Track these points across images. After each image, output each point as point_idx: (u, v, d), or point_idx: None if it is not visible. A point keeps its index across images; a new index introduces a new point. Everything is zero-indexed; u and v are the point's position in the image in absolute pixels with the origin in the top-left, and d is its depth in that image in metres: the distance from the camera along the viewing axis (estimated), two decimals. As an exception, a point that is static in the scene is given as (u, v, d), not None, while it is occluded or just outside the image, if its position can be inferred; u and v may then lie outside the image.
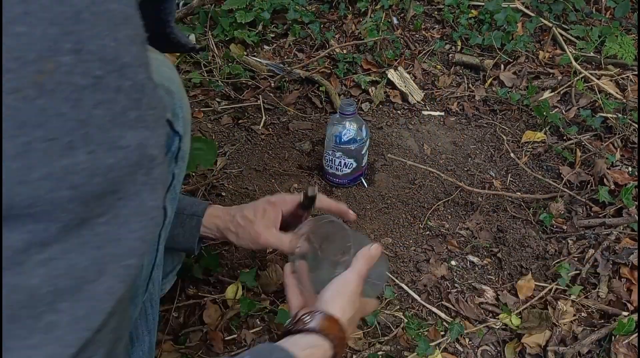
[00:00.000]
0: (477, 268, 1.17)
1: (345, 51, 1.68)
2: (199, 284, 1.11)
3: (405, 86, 1.57)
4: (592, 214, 1.26)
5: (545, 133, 1.46)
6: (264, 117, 1.48)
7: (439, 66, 1.68)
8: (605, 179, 1.31)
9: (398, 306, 1.09)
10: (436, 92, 1.60)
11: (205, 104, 1.52)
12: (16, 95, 0.35)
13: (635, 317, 1.04)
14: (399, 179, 1.35)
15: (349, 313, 0.72)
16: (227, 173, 1.33)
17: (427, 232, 1.23)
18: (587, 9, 1.85)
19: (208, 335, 1.03)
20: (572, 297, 1.10)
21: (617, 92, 1.56)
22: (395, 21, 1.78)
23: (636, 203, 1.25)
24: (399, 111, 1.54)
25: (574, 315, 1.08)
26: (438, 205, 1.28)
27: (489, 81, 1.62)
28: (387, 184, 1.33)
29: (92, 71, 0.37)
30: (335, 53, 1.66)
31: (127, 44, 0.40)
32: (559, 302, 1.09)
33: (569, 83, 1.59)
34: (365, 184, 1.32)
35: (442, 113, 1.54)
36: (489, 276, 1.16)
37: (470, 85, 1.62)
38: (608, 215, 1.24)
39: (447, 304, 1.10)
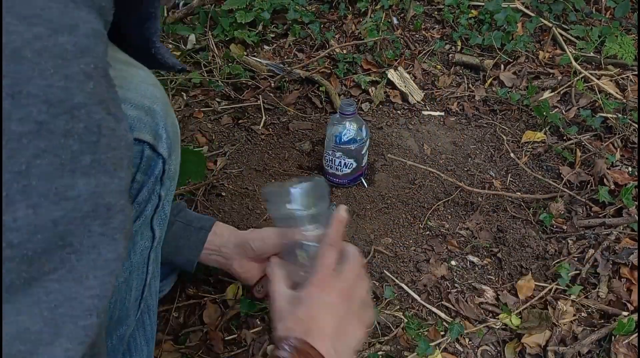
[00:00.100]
0: (477, 268, 1.17)
1: (345, 51, 1.68)
2: (199, 284, 1.11)
3: (405, 86, 1.57)
4: (592, 214, 1.26)
5: (545, 133, 1.46)
6: (264, 117, 1.48)
7: (439, 66, 1.68)
8: (605, 179, 1.31)
9: (398, 306, 1.09)
10: (436, 92, 1.60)
11: (205, 104, 1.53)
12: None
13: (635, 317, 1.04)
14: (399, 179, 1.35)
15: (331, 325, 0.65)
16: (227, 173, 1.33)
17: (427, 232, 1.23)
18: (587, 9, 1.85)
19: (208, 335, 1.03)
20: (572, 297, 1.10)
21: (617, 92, 1.56)
22: (395, 21, 1.78)
23: (636, 203, 1.25)
24: (399, 111, 1.54)
25: (574, 315, 1.08)
26: (438, 205, 1.28)
27: (489, 81, 1.62)
28: (387, 184, 1.33)
29: (33, 116, 0.34)
30: (335, 53, 1.66)
31: (81, 81, 0.36)
32: (559, 302, 1.09)
33: (569, 83, 1.59)
34: (365, 184, 1.32)
35: (442, 113, 1.54)
36: (489, 276, 1.16)
37: (470, 85, 1.62)
38: (608, 215, 1.24)
39: (447, 304, 1.10)
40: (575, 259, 1.18)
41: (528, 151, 1.43)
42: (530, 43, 1.72)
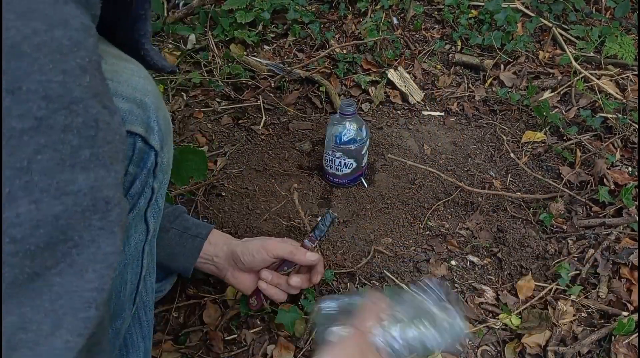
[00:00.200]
0: (477, 268, 1.17)
1: (345, 51, 1.68)
2: (199, 284, 1.11)
3: (405, 86, 1.57)
4: (592, 214, 1.26)
5: (545, 133, 1.46)
6: (264, 117, 1.48)
7: (439, 66, 1.68)
8: (605, 179, 1.31)
9: (398, 306, 1.09)
10: (436, 92, 1.60)
11: (205, 104, 1.53)
12: None
13: (635, 317, 1.04)
14: (399, 179, 1.35)
15: None
16: (227, 173, 1.33)
17: (427, 232, 1.23)
18: (587, 9, 1.85)
19: (208, 335, 1.03)
20: (572, 297, 1.10)
21: (617, 92, 1.56)
22: (395, 21, 1.78)
23: (636, 203, 1.25)
24: (399, 111, 1.54)
25: (574, 315, 1.08)
26: (438, 205, 1.28)
27: (489, 81, 1.62)
28: (387, 184, 1.33)
29: (33, 112, 0.34)
30: (335, 53, 1.66)
31: (78, 75, 0.36)
32: (559, 302, 1.09)
33: (569, 83, 1.59)
34: (365, 184, 1.32)
35: (442, 113, 1.54)
36: (489, 276, 1.16)
37: (470, 85, 1.62)
38: (608, 215, 1.24)
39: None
40: (575, 259, 1.18)
41: (528, 151, 1.43)
42: (530, 43, 1.72)
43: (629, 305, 1.09)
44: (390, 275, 1.13)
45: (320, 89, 1.56)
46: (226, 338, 1.03)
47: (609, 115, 1.47)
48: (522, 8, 1.81)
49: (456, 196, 1.30)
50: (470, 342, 1.05)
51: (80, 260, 0.39)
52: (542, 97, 1.54)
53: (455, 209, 1.28)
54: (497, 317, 1.08)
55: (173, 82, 1.55)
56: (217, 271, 0.97)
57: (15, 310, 0.36)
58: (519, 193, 1.31)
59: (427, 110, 1.55)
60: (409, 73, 1.62)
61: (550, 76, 1.64)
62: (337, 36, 1.75)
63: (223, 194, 1.29)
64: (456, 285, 1.13)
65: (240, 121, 1.48)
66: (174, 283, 1.07)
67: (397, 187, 1.33)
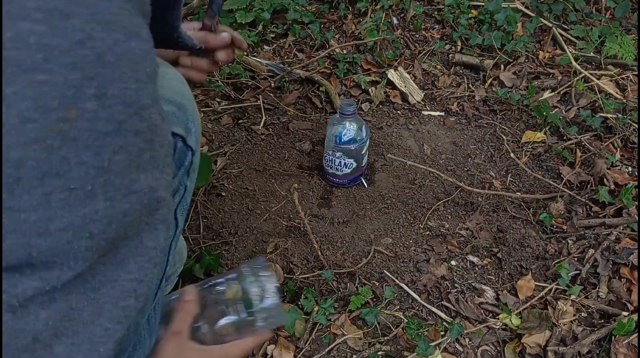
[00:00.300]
0: (477, 268, 1.17)
1: (345, 51, 1.68)
2: (199, 284, 1.11)
3: (405, 86, 1.57)
4: (592, 214, 1.26)
5: (545, 133, 1.46)
6: (264, 117, 1.48)
7: (439, 66, 1.68)
8: (605, 179, 1.31)
9: (398, 307, 1.09)
10: (436, 92, 1.60)
11: (205, 104, 1.53)
12: (38, 145, 0.33)
13: (635, 317, 1.04)
14: (399, 179, 1.35)
15: None
16: (227, 173, 1.33)
17: (427, 232, 1.23)
18: (587, 9, 1.85)
19: (208, 335, 1.03)
20: (572, 297, 1.10)
21: (617, 92, 1.56)
22: (395, 21, 1.78)
23: (636, 203, 1.25)
24: (399, 111, 1.54)
25: (574, 315, 1.08)
26: (438, 205, 1.28)
27: (489, 81, 1.62)
28: (387, 184, 1.33)
29: (115, 116, 0.36)
30: (335, 53, 1.66)
31: (146, 83, 0.39)
32: (559, 302, 1.09)
33: (569, 83, 1.59)
34: (365, 184, 1.32)
35: (442, 113, 1.54)
36: (489, 276, 1.16)
37: (470, 85, 1.62)
38: (608, 215, 1.24)
39: (447, 304, 1.10)
40: (575, 259, 1.18)
41: (528, 151, 1.43)
42: (530, 43, 1.72)
43: (629, 305, 1.09)
44: (390, 275, 1.13)
45: (320, 89, 1.56)
46: (226, 338, 1.03)
47: (609, 115, 1.47)
48: (522, 8, 1.81)
49: (456, 196, 1.30)
50: (470, 342, 1.05)
51: (123, 250, 0.41)
52: (542, 97, 1.54)
53: (455, 209, 1.28)
54: (497, 317, 1.08)
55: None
56: None
57: (63, 297, 0.38)
58: (519, 193, 1.31)
59: (427, 110, 1.55)
60: (409, 73, 1.62)
61: (550, 76, 1.64)
62: (337, 36, 1.75)
63: (223, 194, 1.29)
64: (456, 285, 1.13)
65: (240, 121, 1.48)
66: (174, 284, 1.07)
67: (397, 187, 1.33)
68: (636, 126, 1.44)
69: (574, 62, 1.61)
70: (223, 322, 0.75)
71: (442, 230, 1.23)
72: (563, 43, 1.71)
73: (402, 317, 1.07)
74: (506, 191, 1.32)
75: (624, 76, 1.61)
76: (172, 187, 0.66)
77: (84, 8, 0.34)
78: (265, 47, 1.72)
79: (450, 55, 1.69)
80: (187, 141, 0.66)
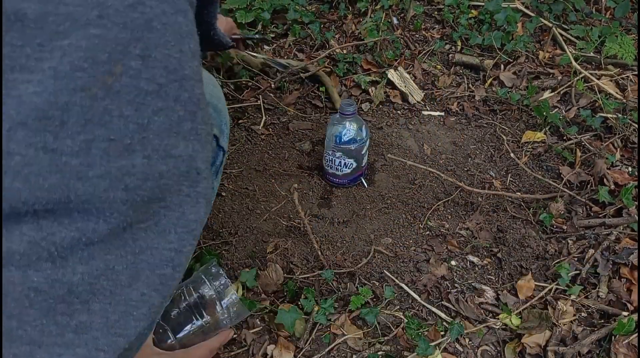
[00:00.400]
0: (477, 268, 1.17)
1: (345, 51, 1.68)
2: (199, 284, 1.11)
3: (405, 86, 1.57)
4: (592, 214, 1.26)
5: (545, 133, 1.46)
6: (264, 117, 1.48)
7: (439, 66, 1.68)
8: (605, 179, 1.31)
9: (398, 307, 1.09)
10: (436, 92, 1.60)
11: (205, 104, 1.53)
12: (84, 93, 0.35)
13: (635, 317, 1.04)
14: (399, 179, 1.35)
15: None
16: (227, 173, 1.33)
17: (427, 232, 1.23)
18: (587, 9, 1.85)
19: (208, 335, 1.03)
20: (572, 297, 1.10)
21: (617, 92, 1.56)
22: (395, 21, 1.78)
23: (636, 203, 1.25)
24: (399, 111, 1.54)
25: (574, 315, 1.08)
26: (438, 205, 1.28)
27: (489, 81, 1.62)
28: (387, 184, 1.33)
29: (156, 78, 0.38)
30: (335, 53, 1.66)
31: (189, 58, 0.41)
32: (559, 302, 1.09)
33: (569, 83, 1.59)
34: (365, 184, 1.32)
35: (442, 113, 1.54)
36: (489, 276, 1.16)
37: (470, 85, 1.62)
38: (608, 215, 1.24)
39: (447, 304, 1.10)
40: (575, 259, 1.18)
41: (528, 151, 1.43)
42: (530, 43, 1.72)
43: (629, 305, 1.09)
44: (390, 275, 1.13)
45: (320, 89, 1.56)
46: (226, 338, 1.03)
47: (609, 115, 1.47)
48: (522, 8, 1.81)
49: (456, 196, 1.30)
50: (470, 342, 1.05)
51: (165, 220, 0.42)
52: (542, 97, 1.54)
53: (455, 209, 1.28)
54: (497, 317, 1.08)
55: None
56: None
57: (102, 256, 0.39)
58: (519, 193, 1.31)
59: (427, 110, 1.55)
60: (409, 73, 1.62)
61: (550, 76, 1.64)
62: (337, 36, 1.75)
63: (223, 194, 1.29)
64: (456, 285, 1.13)
65: (240, 121, 1.48)
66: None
67: (397, 187, 1.33)
68: (636, 126, 1.44)
69: (574, 62, 1.61)
70: (188, 328, 0.77)
71: (442, 230, 1.23)
72: (563, 43, 1.71)
73: (402, 317, 1.07)
74: (506, 191, 1.32)
75: (624, 76, 1.61)
76: None
77: None
78: (265, 47, 1.72)
79: (450, 55, 1.69)
80: (220, 141, 0.69)
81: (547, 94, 1.57)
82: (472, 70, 1.67)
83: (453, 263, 1.17)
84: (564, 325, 1.06)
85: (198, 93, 0.42)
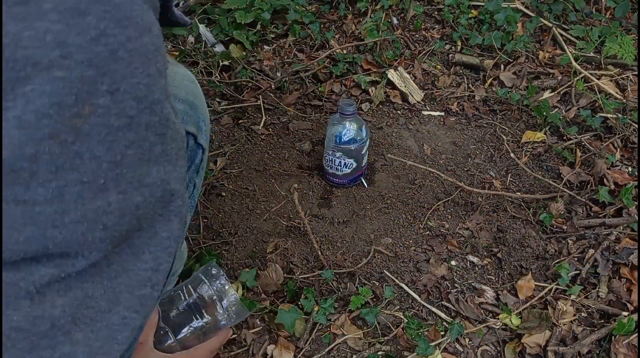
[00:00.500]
0: (477, 268, 1.17)
1: (345, 51, 1.68)
2: (199, 284, 1.10)
3: (405, 86, 1.57)
4: (592, 214, 1.26)
5: (545, 133, 1.46)
6: (264, 117, 1.48)
7: (439, 66, 1.68)
8: (605, 179, 1.31)
9: (398, 307, 1.09)
10: (436, 92, 1.60)
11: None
12: (53, 141, 0.34)
13: (635, 317, 1.04)
14: (399, 179, 1.35)
15: None
16: (227, 173, 1.33)
17: (427, 232, 1.23)
18: (587, 9, 1.85)
19: (208, 335, 1.03)
20: (572, 297, 1.10)
21: (617, 92, 1.56)
22: (395, 21, 1.78)
23: (636, 203, 1.25)
24: (399, 111, 1.54)
25: (574, 315, 1.08)
26: (438, 205, 1.28)
27: (489, 81, 1.62)
28: (387, 184, 1.33)
29: (126, 111, 0.37)
30: (335, 53, 1.66)
31: (157, 78, 0.40)
32: (559, 302, 1.09)
33: (569, 83, 1.59)
34: (365, 184, 1.32)
35: (442, 113, 1.54)
36: (489, 276, 1.16)
37: (470, 85, 1.62)
38: (608, 215, 1.24)
39: (447, 304, 1.10)
40: (575, 259, 1.18)
41: (528, 151, 1.43)
42: (530, 43, 1.72)
43: (629, 305, 1.09)
44: (390, 275, 1.13)
45: (321, 89, 1.56)
46: (226, 338, 1.03)
47: (609, 115, 1.47)
48: (522, 8, 1.81)
49: (456, 196, 1.30)
50: (470, 342, 1.05)
51: (138, 241, 0.42)
52: (542, 97, 1.54)
53: (455, 209, 1.28)
54: (497, 317, 1.08)
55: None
56: None
57: (79, 285, 0.39)
58: (519, 193, 1.31)
59: (427, 110, 1.55)
60: (409, 73, 1.62)
61: (550, 76, 1.64)
62: (337, 36, 1.75)
63: (223, 194, 1.29)
64: (456, 285, 1.13)
65: (240, 121, 1.48)
66: (174, 284, 1.07)
67: (397, 187, 1.33)
68: (636, 126, 1.44)
69: (574, 62, 1.61)
70: (187, 329, 0.77)
71: (442, 230, 1.23)
72: (563, 43, 1.71)
73: (402, 317, 1.07)
74: (506, 191, 1.32)
75: (624, 76, 1.61)
76: None
77: (99, 5, 0.35)
78: (265, 47, 1.72)
79: (450, 55, 1.69)
80: (198, 139, 0.68)
81: (547, 94, 1.57)
82: (472, 70, 1.67)
83: (453, 263, 1.17)
84: (564, 325, 1.06)
85: (167, 112, 0.41)
